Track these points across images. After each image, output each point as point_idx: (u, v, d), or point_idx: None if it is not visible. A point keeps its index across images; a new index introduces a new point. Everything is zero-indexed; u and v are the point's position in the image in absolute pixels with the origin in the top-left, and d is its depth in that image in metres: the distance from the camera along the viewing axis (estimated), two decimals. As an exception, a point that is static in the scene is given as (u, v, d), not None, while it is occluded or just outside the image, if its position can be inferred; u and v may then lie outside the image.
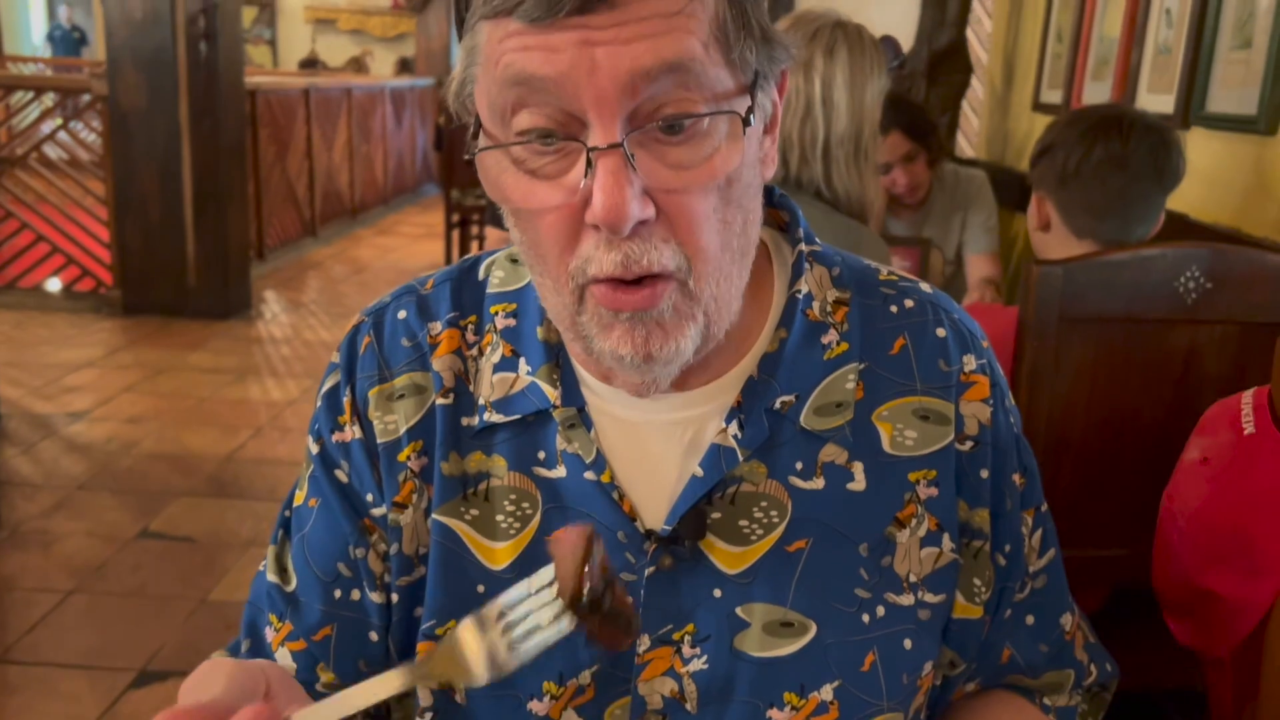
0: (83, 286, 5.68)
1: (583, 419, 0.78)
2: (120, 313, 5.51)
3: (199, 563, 3.02)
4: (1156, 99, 2.39)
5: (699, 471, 0.76)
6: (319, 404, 0.84)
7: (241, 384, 4.57)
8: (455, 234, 6.45)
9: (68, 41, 13.80)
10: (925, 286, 0.86)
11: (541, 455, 0.78)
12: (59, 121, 5.92)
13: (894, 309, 0.83)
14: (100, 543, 3.08)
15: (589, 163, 0.63)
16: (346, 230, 8.58)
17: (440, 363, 0.81)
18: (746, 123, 0.66)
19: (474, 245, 6.61)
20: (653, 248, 0.66)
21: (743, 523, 0.76)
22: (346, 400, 0.82)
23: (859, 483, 0.78)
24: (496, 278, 0.84)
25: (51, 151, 5.88)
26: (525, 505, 0.78)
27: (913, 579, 0.79)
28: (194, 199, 5.40)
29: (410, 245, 8.27)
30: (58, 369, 4.62)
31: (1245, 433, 0.94)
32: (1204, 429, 1.01)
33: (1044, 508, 0.87)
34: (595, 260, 0.66)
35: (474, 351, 0.81)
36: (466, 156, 0.69)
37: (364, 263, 7.49)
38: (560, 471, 0.78)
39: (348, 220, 8.69)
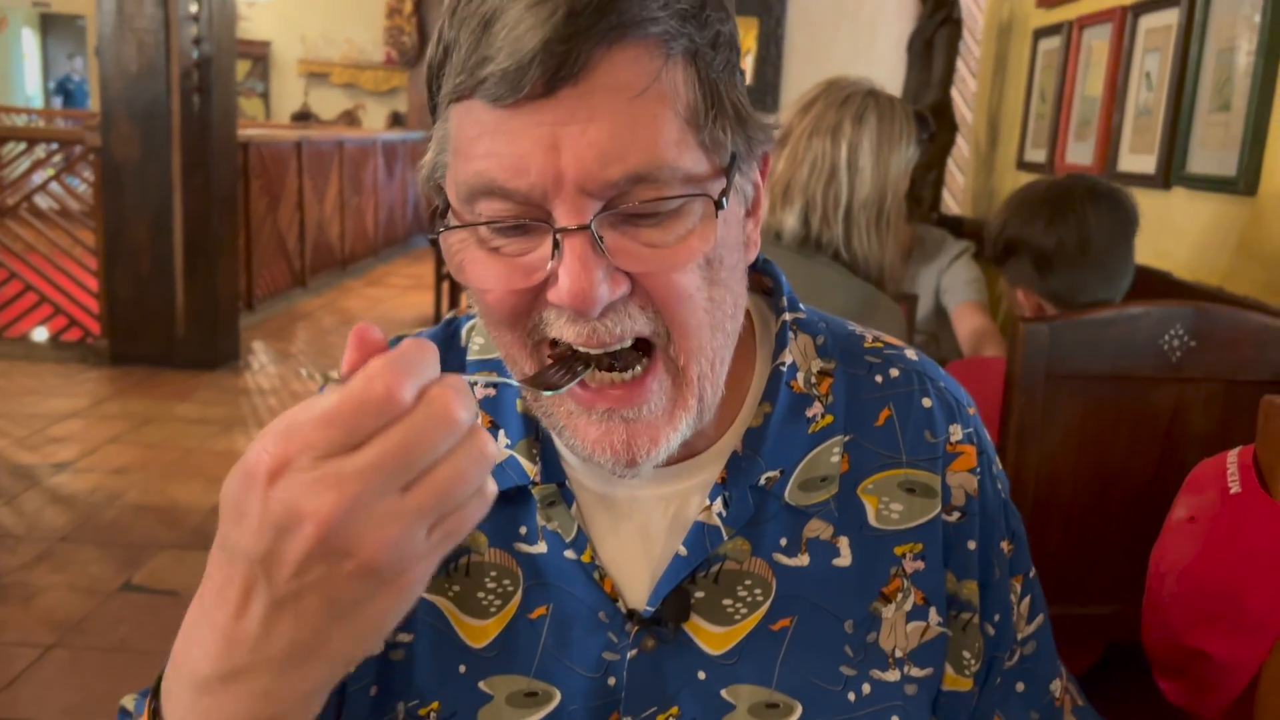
0: (70, 336, 5.66)
1: (563, 495, 0.76)
2: (107, 362, 5.49)
3: (182, 617, 2.97)
4: (1138, 159, 2.43)
5: (683, 550, 0.74)
6: None
7: (228, 435, 4.55)
8: (445, 285, 6.47)
9: (80, 93, 13.84)
10: (910, 354, 0.85)
11: (523, 530, 0.77)
12: (51, 172, 5.94)
13: (879, 379, 0.82)
14: (82, 596, 3.04)
15: (556, 244, 0.62)
16: (336, 281, 8.60)
17: None
18: (719, 205, 0.64)
19: (464, 297, 6.63)
20: (626, 315, 0.64)
21: (727, 602, 0.75)
22: None
23: (844, 558, 0.77)
24: (476, 344, 0.83)
25: (41, 201, 5.88)
26: (506, 582, 0.77)
27: (899, 654, 0.77)
28: (184, 250, 5.41)
29: (400, 296, 8.28)
30: (43, 419, 4.59)
31: (1231, 492, 0.95)
32: (1190, 488, 1.02)
33: (1032, 573, 0.87)
34: (556, 326, 0.65)
35: None
36: (430, 237, 0.68)
37: (353, 314, 7.49)
38: (541, 548, 0.76)
39: (337, 271, 8.71)
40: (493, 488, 0.51)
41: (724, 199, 0.65)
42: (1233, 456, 0.97)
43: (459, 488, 0.48)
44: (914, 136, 1.79)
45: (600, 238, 0.62)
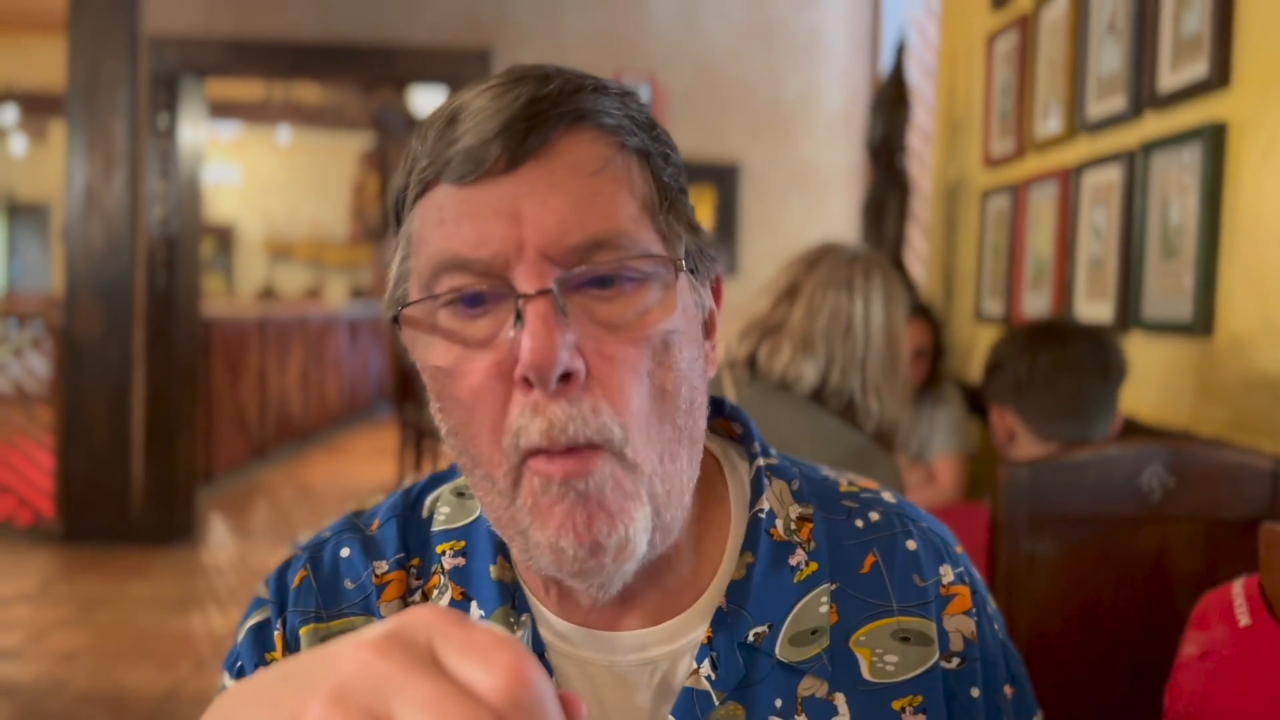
0: (21, 515, 5.48)
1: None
2: (59, 541, 5.31)
3: (129, 814, 2.78)
4: (1095, 306, 2.49)
5: None
6: (240, 639, 0.77)
7: (182, 615, 4.37)
8: (409, 451, 6.40)
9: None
10: (888, 496, 0.82)
11: None
12: (11, 349, 5.88)
13: (859, 523, 0.78)
14: (21, 795, 2.84)
15: (518, 314, 0.61)
16: (296, 451, 8.48)
17: (387, 608, 0.75)
18: (679, 269, 0.66)
19: (427, 462, 6.55)
20: (580, 416, 0.62)
21: None
22: (278, 634, 0.75)
23: (843, 716, 0.72)
24: (442, 514, 0.79)
25: (-2, 380, 5.81)
26: None
27: None
28: (144, 426, 5.33)
29: (361, 465, 8.17)
30: (-13, 604, 4.40)
31: (1241, 625, 0.92)
32: (1198, 624, 1.00)
33: (1038, 717, 0.82)
34: (524, 430, 0.62)
35: (417, 597, 0.75)
36: (392, 314, 0.67)
37: (313, 484, 7.36)
38: None
39: (298, 442, 8.61)
40: None
41: (680, 271, 0.67)
42: (1238, 588, 0.95)
43: None
44: (908, 299, 1.89)
45: (563, 304, 0.62)
